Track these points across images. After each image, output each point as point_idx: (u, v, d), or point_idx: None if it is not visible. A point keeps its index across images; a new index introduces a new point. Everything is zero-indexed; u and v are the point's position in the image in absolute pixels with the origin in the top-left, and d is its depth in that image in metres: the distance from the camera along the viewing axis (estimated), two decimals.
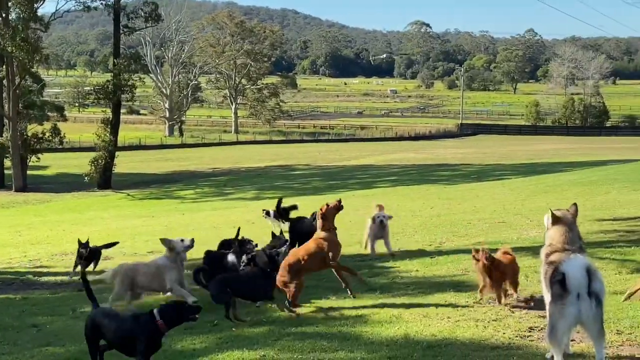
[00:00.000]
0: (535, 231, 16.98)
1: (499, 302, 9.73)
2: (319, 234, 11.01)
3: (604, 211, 19.81)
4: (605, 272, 11.06)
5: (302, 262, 10.58)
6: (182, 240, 11.43)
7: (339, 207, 11.33)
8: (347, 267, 11.28)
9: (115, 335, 7.87)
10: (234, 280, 10.26)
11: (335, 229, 11.12)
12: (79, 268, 14.64)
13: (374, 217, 14.55)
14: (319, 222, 11.12)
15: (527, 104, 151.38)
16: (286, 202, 17.70)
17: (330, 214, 11.15)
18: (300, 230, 14.59)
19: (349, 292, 10.89)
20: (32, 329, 11.11)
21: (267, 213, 19.98)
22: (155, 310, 7.80)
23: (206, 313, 10.83)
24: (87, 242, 15.38)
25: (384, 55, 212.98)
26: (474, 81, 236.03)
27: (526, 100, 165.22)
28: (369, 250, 14.85)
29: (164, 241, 11.39)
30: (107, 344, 8.06)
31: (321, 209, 11.13)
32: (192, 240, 11.50)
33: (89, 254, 15.22)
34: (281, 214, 20.00)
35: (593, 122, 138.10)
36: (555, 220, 7.48)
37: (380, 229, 14.55)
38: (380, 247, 14.81)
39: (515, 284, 9.93)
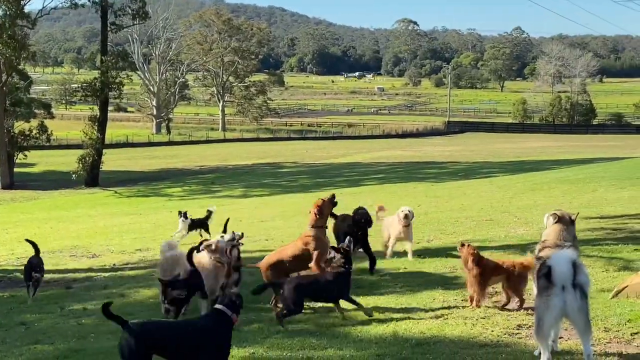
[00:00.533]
0: (523, 229, 17.05)
1: (470, 301, 9.70)
2: (308, 231, 10.71)
3: (591, 209, 19.90)
4: (592, 269, 11.14)
5: (287, 263, 10.43)
6: (221, 237, 10.78)
7: (333, 202, 11.11)
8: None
9: (181, 345, 6.93)
10: (311, 284, 9.68)
11: (327, 227, 10.90)
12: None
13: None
14: (312, 217, 10.70)
15: (515, 102, 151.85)
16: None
17: (326, 208, 10.94)
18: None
19: None
20: (20, 326, 11.07)
21: (185, 215, 19.47)
22: (220, 307, 7.16)
23: (196, 310, 10.86)
24: (39, 263, 13.12)
25: (357, 74, 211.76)
26: (462, 79, 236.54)
27: (513, 98, 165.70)
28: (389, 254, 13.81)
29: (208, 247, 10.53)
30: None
31: (317, 205, 10.82)
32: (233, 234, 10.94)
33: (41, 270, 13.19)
34: (197, 224, 19.44)
35: (580, 120, 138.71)
36: (556, 219, 7.76)
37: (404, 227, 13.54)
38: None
39: (517, 292, 9.50)
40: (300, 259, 10.43)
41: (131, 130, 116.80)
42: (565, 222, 7.91)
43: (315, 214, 10.69)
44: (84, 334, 10.00)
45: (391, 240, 13.73)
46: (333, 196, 11.13)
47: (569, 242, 7.69)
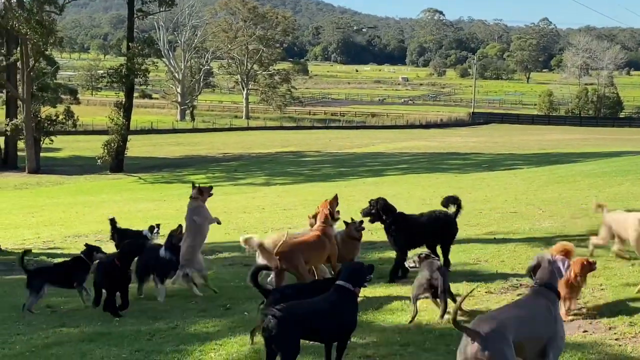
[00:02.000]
0: (548, 222, 16.94)
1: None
2: (320, 225, 10.49)
3: (616, 203, 19.70)
4: (617, 264, 11.08)
5: (302, 253, 10.10)
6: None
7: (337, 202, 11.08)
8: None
9: (323, 323, 6.87)
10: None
11: (332, 224, 10.70)
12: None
13: None
14: (323, 216, 10.53)
15: (540, 94, 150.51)
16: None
17: (333, 207, 10.81)
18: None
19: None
20: (46, 309, 11.21)
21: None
22: (341, 282, 7.10)
23: (219, 297, 10.94)
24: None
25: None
26: (487, 70, 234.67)
27: (539, 89, 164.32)
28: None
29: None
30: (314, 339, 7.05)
31: (329, 207, 10.69)
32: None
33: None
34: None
35: (606, 112, 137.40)
36: None
37: None
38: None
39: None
40: (315, 249, 10.31)
41: (156, 116, 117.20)
42: None
43: (324, 213, 10.56)
44: (109, 317, 10.13)
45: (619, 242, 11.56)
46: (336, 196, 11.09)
47: None
